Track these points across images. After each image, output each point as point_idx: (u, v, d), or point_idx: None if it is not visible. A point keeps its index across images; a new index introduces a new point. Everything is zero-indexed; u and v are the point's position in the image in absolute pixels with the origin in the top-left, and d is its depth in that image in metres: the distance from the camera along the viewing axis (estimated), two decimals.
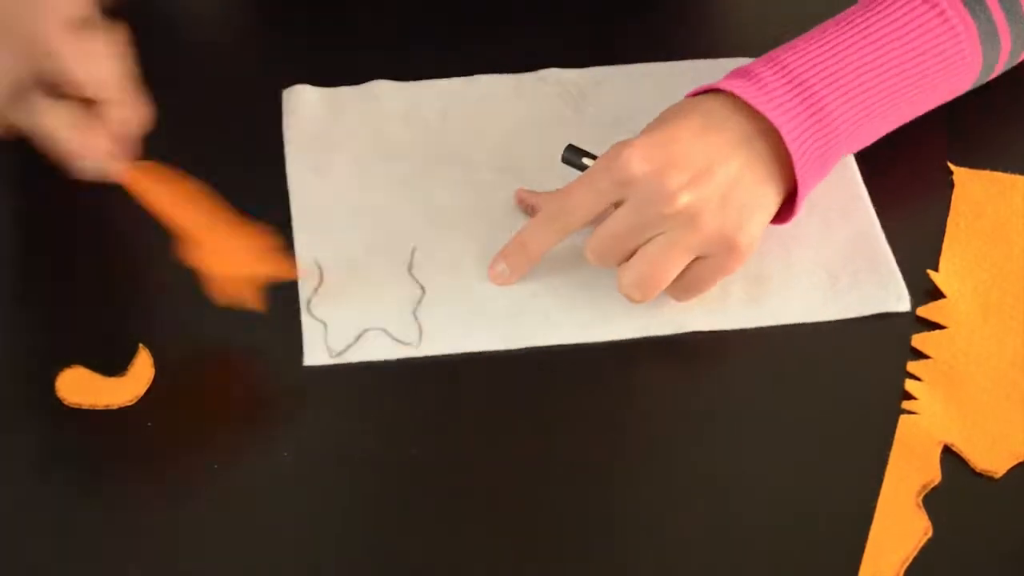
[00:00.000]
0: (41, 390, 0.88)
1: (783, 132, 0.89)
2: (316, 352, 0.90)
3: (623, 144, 0.89)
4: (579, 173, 0.92)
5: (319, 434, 0.88)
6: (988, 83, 1.00)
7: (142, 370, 0.89)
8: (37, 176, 0.94)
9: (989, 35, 0.95)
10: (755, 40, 0.99)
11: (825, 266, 0.94)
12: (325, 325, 0.92)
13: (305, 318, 0.92)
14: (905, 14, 0.93)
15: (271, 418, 0.89)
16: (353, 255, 0.95)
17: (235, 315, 0.90)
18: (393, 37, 1.08)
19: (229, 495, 0.85)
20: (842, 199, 0.97)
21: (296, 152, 1.00)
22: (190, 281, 0.89)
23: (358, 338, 0.91)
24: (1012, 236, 0.96)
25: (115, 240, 0.92)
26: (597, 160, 0.90)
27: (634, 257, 0.89)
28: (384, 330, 0.92)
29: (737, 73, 0.92)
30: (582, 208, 0.90)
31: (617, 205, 0.89)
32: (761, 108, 0.89)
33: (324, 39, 1.08)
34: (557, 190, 0.95)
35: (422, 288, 0.94)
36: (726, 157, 0.89)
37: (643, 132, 0.90)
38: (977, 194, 0.98)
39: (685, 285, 0.90)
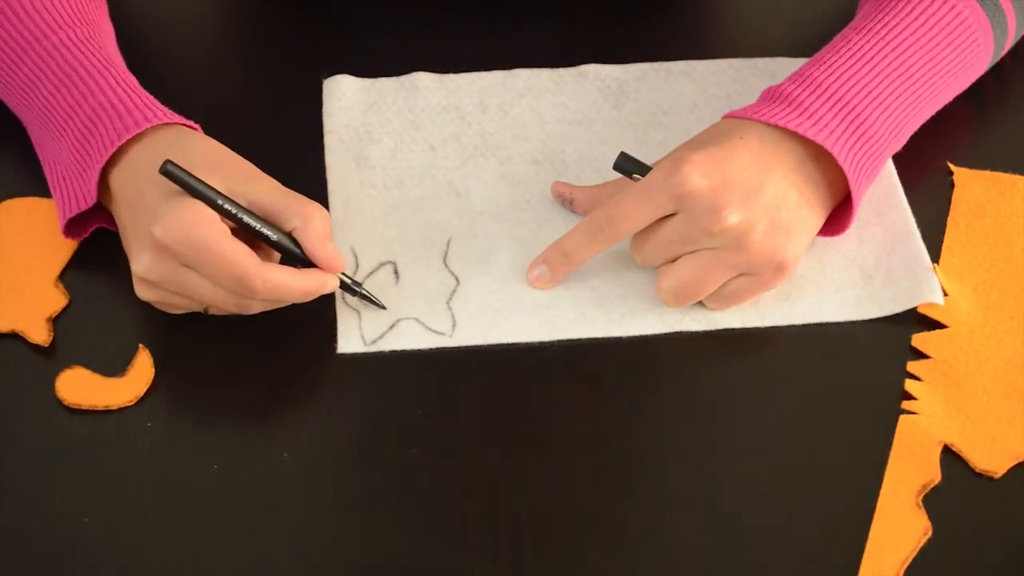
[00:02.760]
0: (41, 390, 0.88)
1: (838, 157, 0.89)
2: (351, 340, 0.91)
3: (681, 159, 0.89)
4: (622, 176, 0.92)
5: (319, 434, 0.88)
6: (987, 84, 1.01)
7: (142, 370, 0.89)
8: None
9: (996, 18, 0.96)
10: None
11: (859, 264, 0.94)
12: (359, 313, 0.92)
13: (340, 306, 0.92)
14: (920, 14, 0.94)
15: (271, 418, 0.89)
16: (389, 244, 0.95)
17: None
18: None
19: (229, 495, 0.85)
20: (876, 197, 0.97)
21: (336, 142, 1.00)
22: None
23: (392, 327, 0.91)
24: (1012, 236, 0.96)
25: (115, 240, 0.92)
26: (652, 172, 0.90)
27: (677, 264, 0.90)
28: (418, 319, 0.92)
29: (777, 98, 0.92)
30: (633, 219, 0.90)
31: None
32: (814, 137, 0.89)
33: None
34: (599, 186, 0.95)
35: (456, 279, 0.94)
36: (779, 180, 0.89)
37: (694, 147, 0.90)
38: (977, 194, 0.98)
39: (723, 296, 0.91)
